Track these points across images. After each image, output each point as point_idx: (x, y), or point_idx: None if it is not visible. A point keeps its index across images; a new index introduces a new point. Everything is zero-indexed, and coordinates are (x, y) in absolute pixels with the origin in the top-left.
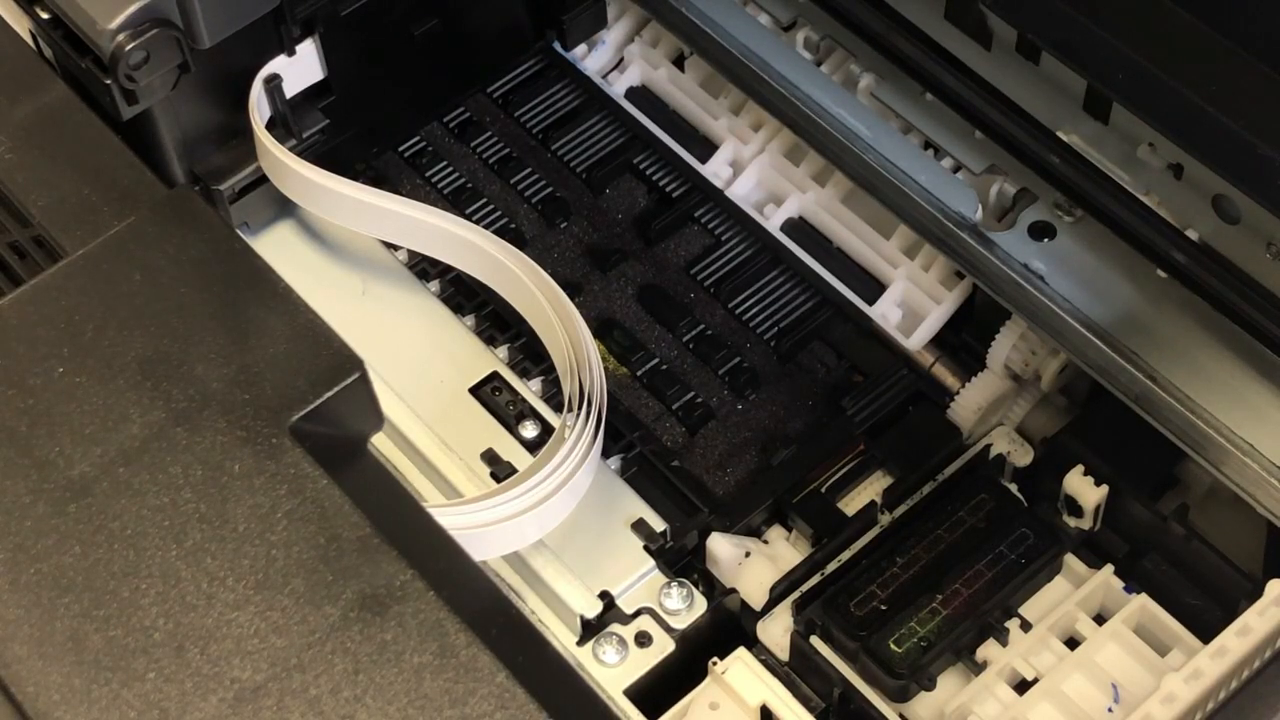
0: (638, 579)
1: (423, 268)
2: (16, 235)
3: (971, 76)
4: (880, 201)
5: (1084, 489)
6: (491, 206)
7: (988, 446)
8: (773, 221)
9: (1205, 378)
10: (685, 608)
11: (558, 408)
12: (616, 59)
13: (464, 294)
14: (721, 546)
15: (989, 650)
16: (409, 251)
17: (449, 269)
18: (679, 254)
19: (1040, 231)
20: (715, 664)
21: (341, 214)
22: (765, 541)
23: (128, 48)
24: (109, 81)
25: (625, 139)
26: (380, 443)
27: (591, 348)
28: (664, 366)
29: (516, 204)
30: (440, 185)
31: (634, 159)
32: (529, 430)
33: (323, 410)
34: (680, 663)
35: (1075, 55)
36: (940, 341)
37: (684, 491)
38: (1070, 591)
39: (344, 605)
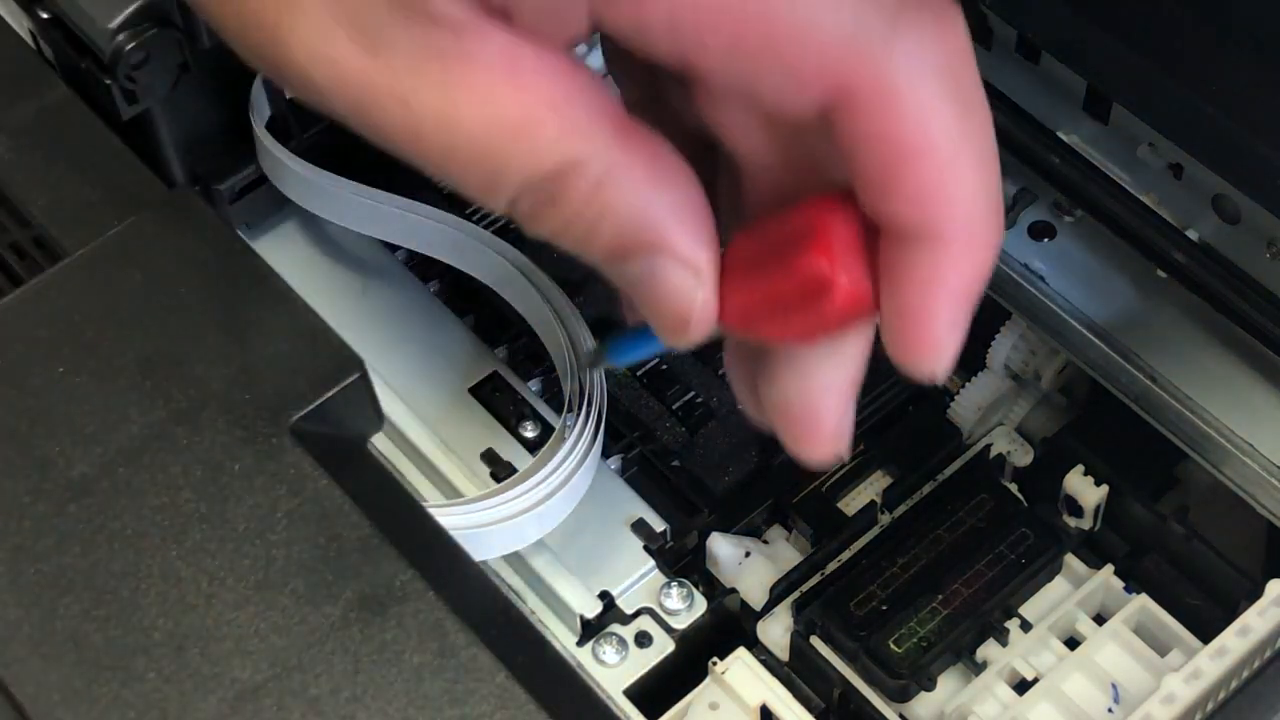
0: (638, 579)
1: (423, 268)
2: (16, 235)
3: None
4: None
5: (1084, 489)
6: None
7: (988, 446)
8: None
9: (1205, 378)
10: (685, 608)
11: (558, 408)
12: None
13: (464, 294)
14: (721, 546)
15: (989, 650)
16: (409, 251)
17: (449, 269)
18: None
19: (1040, 231)
20: (715, 664)
21: (341, 214)
22: (765, 541)
23: (128, 47)
24: (109, 81)
25: None
26: (380, 443)
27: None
28: (664, 366)
29: None
30: (440, 185)
31: None
32: (529, 430)
33: (323, 410)
34: (680, 663)
35: (1075, 55)
36: None
37: (684, 491)
38: (1070, 591)
39: (344, 605)
